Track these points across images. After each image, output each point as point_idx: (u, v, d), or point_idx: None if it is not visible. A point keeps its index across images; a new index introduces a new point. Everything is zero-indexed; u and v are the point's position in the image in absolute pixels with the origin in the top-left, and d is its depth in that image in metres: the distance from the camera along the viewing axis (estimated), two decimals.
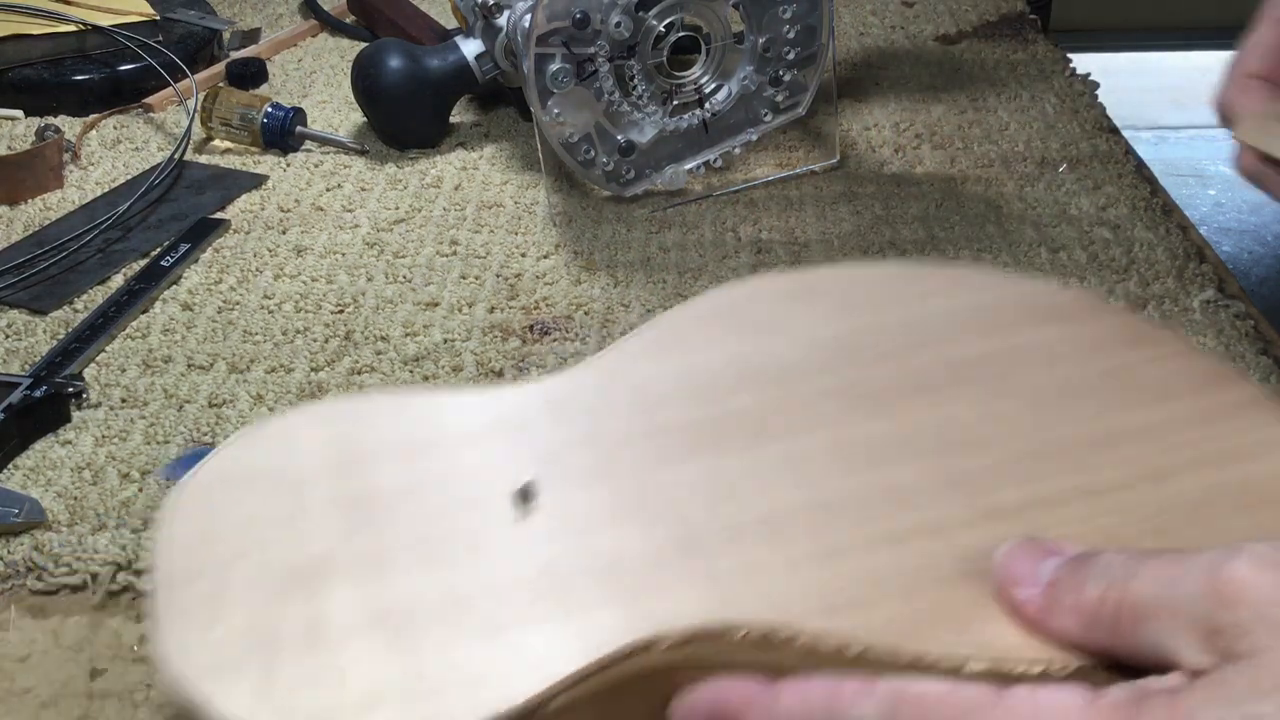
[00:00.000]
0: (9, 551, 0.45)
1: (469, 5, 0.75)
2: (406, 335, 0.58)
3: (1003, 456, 0.37)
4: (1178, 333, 0.48)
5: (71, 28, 0.87)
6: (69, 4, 0.89)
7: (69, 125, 0.79)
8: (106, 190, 0.72)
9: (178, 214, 0.69)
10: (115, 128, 0.80)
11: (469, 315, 0.59)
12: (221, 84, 0.81)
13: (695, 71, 0.68)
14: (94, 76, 0.83)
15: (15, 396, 0.51)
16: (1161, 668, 0.28)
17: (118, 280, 0.63)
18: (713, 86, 0.69)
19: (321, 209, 0.70)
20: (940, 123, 0.78)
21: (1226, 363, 0.49)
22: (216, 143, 0.78)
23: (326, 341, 0.57)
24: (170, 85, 0.83)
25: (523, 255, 0.64)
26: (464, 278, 0.62)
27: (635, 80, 0.66)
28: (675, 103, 0.68)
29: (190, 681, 0.33)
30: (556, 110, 0.65)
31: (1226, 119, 0.50)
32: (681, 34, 0.66)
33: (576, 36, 0.64)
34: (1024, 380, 0.43)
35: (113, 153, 0.77)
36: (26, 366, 0.56)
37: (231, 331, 0.58)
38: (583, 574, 0.36)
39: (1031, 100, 0.81)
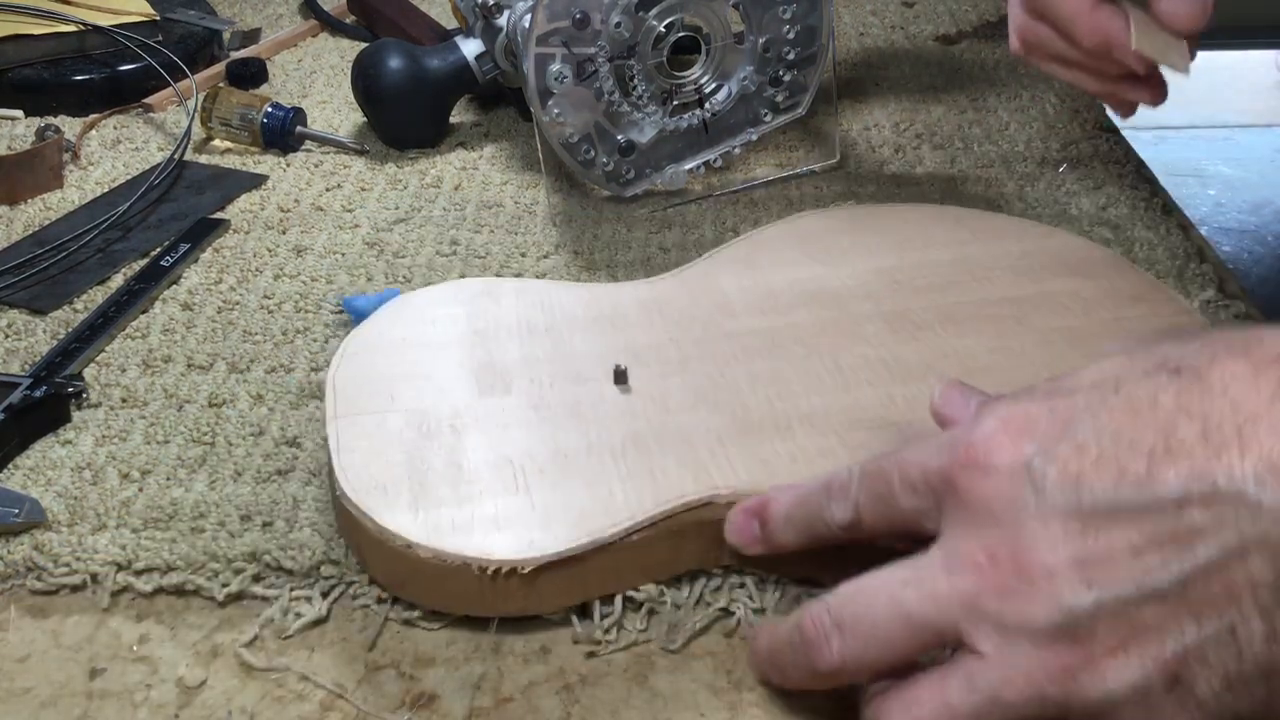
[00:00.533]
0: (9, 551, 0.45)
1: (469, 5, 0.75)
2: None
3: (1001, 382, 0.42)
4: (1171, 294, 0.54)
5: (71, 28, 0.87)
6: (69, 4, 0.89)
7: (69, 125, 0.79)
8: (106, 190, 0.72)
9: (178, 214, 0.69)
10: (115, 128, 0.80)
11: None
12: (221, 84, 0.81)
13: (695, 71, 0.68)
14: (94, 76, 0.83)
15: (15, 396, 0.51)
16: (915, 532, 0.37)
17: (118, 280, 0.63)
18: (713, 86, 0.69)
19: (321, 209, 0.70)
20: (940, 123, 0.78)
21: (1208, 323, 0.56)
22: (216, 143, 0.78)
23: (327, 342, 0.57)
24: (170, 85, 0.83)
25: (523, 255, 0.64)
26: (464, 278, 0.62)
27: (635, 80, 0.66)
28: (675, 103, 0.68)
29: (360, 496, 0.42)
30: (556, 110, 0.65)
31: (1029, 46, 0.59)
32: (681, 34, 0.66)
33: (576, 36, 0.64)
34: (1039, 322, 0.50)
35: (113, 153, 0.77)
36: (26, 366, 0.56)
37: (231, 331, 0.58)
38: (661, 443, 0.45)
39: (1031, 100, 0.81)
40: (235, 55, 0.90)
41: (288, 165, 0.75)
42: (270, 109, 0.76)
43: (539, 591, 0.41)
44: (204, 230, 0.67)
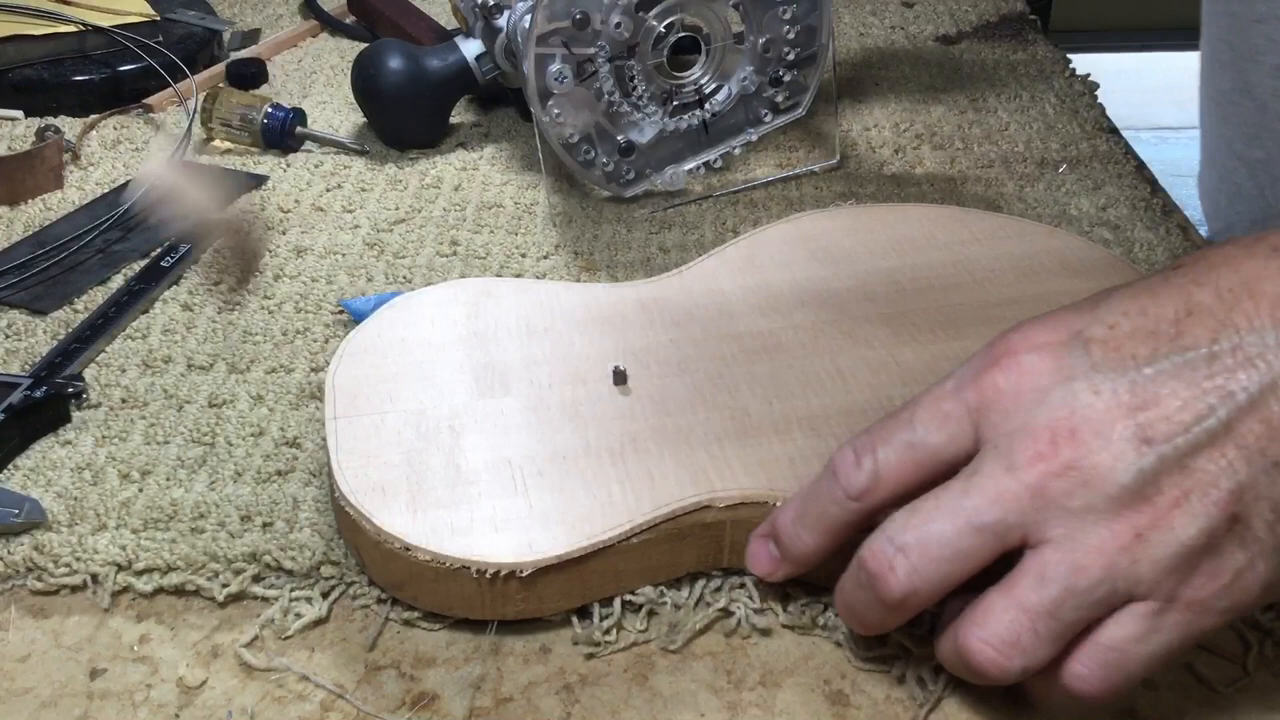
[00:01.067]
0: (9, 551, 0.45)
1: (469, 5, 0.75)
2: None
3: None
4: None
5: (71, 28, 0.87)
6: (69, 4, 0.89)
7: (69, 125, 0.79)
8: (106, 190, 0.72)
9: (178, 214, 0.69)
10: (115, 128, 0.80)
11: None
12: (221, 84, 0.81)
13: (695, 72, 0.68)
14: (94, 77, 0.83)
15: (15, 397, 0.51)
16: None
17: (118, 281, 0.63)
18: (713, 87, 0.69)
19: (321, 209, 0.70)
20: (940, 123, 0.78)
21: None
22: (216, 143, 0.78)
23: (327, 342, 0.57)
24: (170, 85, 0.83)
25: (523, 255, 0.64)
26: (464, 278, 0.62)
27: (635, 80, 0.66)
28: (675, 103, 0.68)
29: (358, 497, 0.42)
30: (556, 110, 0.65)
31: None
32: (681, 34, 0.66)
33: (576, 36, 0.64)
34: None
35: (113, 153, 0.77)
36: (26, 366, 0.56)
37: (231, 331, 0.58)
38: (660, 445, 0.44)
39: (1031, 100, 0.81)
40: (235, 55, 0.90)
41: (288, 165, 0.75)
42: (270, 109, 0.76)
43: (538, 594, 0.41)
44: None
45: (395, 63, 0.74)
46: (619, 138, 0.67)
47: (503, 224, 0.68)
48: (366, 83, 0.75)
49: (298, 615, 0.43)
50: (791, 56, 0.69)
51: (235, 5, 1.03)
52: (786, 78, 0.69)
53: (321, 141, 0.77)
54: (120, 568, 0.44)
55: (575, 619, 0.42)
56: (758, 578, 0.42)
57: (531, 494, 0.42)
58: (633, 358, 0.49)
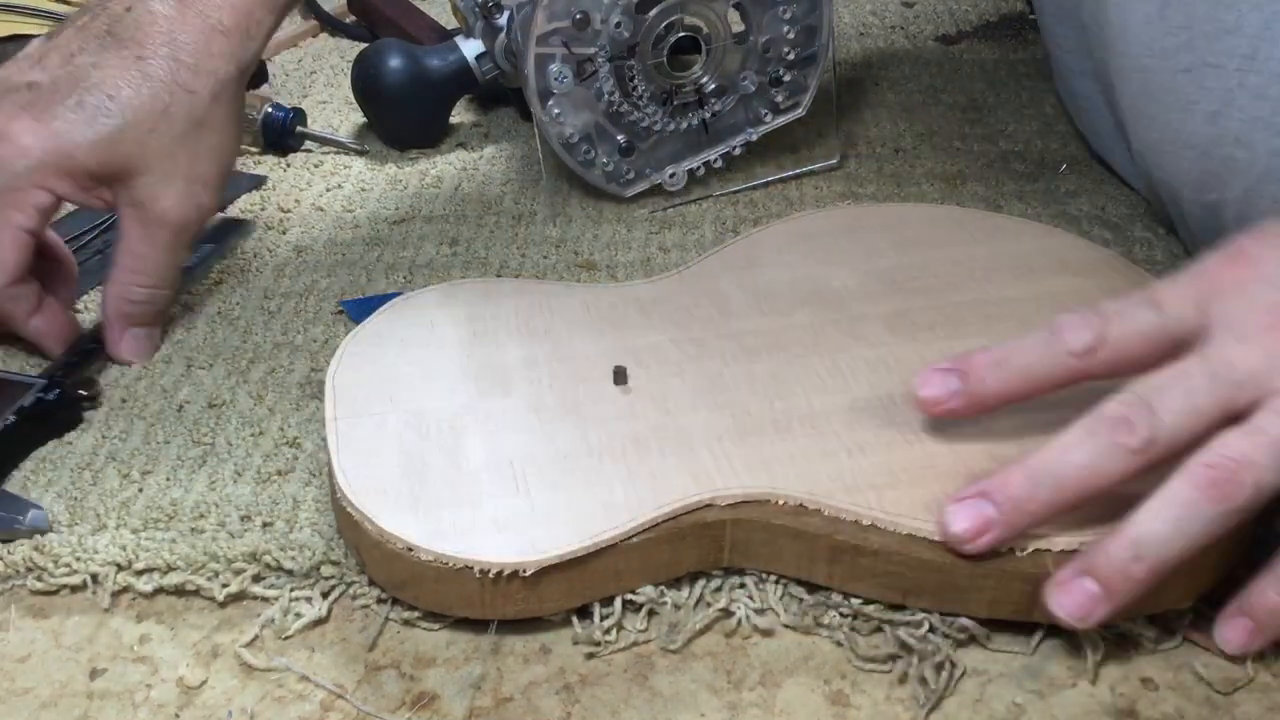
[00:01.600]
0: (9, 552, 0.45)
1: (469, 5, 0.75)
2: None
3: None
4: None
5: None
6: (69, 4, 0.89)
7: None
8: None
9: None
10: None
11: None
12: None
13: (695, 72, 0.68)
14: None
15: (28, 399, 0.51)
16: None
17: None
18: (713, 87, 0.69)
19: (321, 209, 0.70)
20: (940, 123, 0.78)
21: None
22: None
23: (326, 342, 0.57)
24: None
25: (523, 255, 0.64)
26: (464, 278, 0.62)
27: (635, 80, 0.66)
28: (675, 103, 0.68)
29: (359, 498, 0.42)
30: (556, 110, 0.65)
31: None
32: (681, 34, 0.66)
33: (576, 36, 0.64)
34: (1039, 322, 0.48)
35: None
36: (26, 367, 0.56)
37: (231, 332, 0.58)
38: (661, 444, 0.44)
39: (1031, 100, 0.81)
40: None
41: (288, 165, 0.75)
42: (270, 109, 0.76)
43: (540, 594, 0.41)
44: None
45: (395, 63, 0.74)
46: (619, 138, 0.67)
47: (503, 224, 0.68)
48: (366, 83, 0.75)
49: (298, 615, 0.43)
50: (791, 56, 0.69)
51: None
52: (786, 78, 0.69)
53: (321, 141, 0.77)
54: (120, 568, 0.44)
55: (575, 619, 0.42)
56: (925, 403, 0.43)
57: (533, 494, 0.42)
58: (633, 357, 0.49)
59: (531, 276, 0.62)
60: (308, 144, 0.77)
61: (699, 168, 0.70)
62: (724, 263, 0.56)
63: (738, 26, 0.68)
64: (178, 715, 0.39)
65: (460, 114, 0.81)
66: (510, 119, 0.81)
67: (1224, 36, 0.49)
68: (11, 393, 0.51)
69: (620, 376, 0.48)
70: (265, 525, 0.46)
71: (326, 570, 0.44)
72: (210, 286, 0.62)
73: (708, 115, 0.69)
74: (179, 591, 0.44)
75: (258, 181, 0.73)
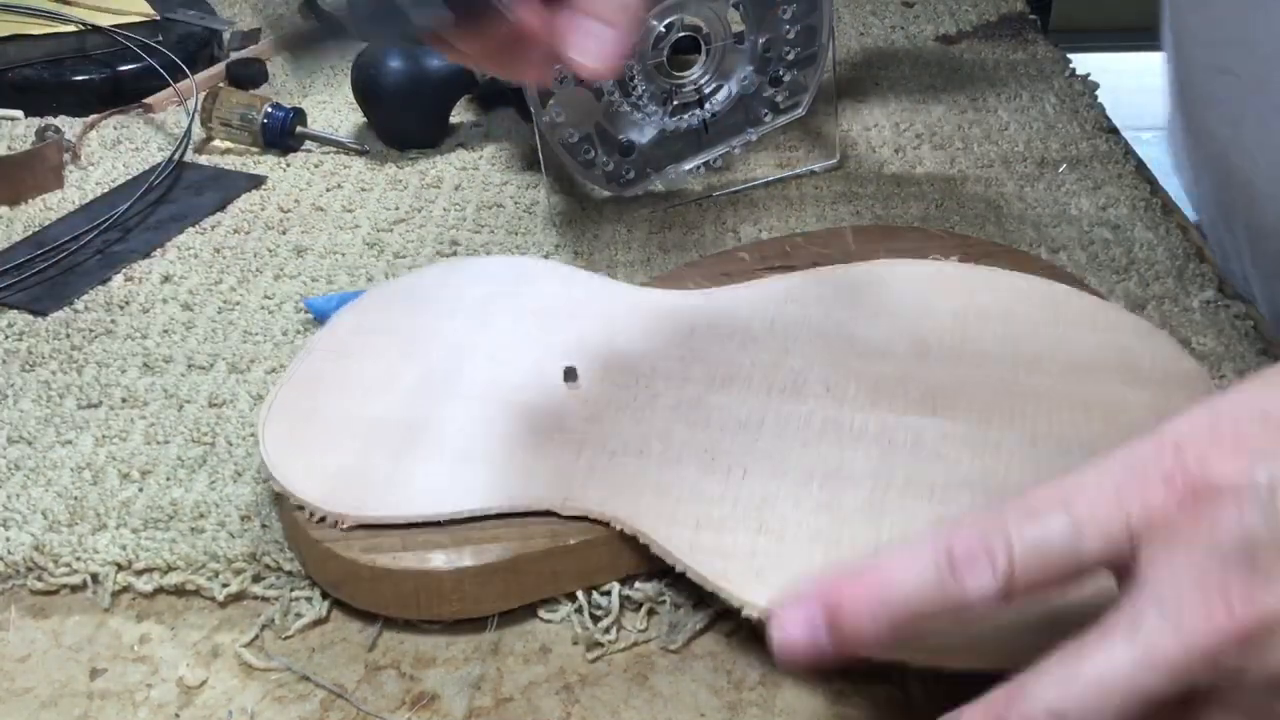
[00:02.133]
0: (9, 551, 0.45)
1: None
2: None
3: (978, 490, 0.42)
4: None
5: (71, 28, 0.87)
6: (69, 4, 0.89)
7: (69, 125, 0.79)
8: (106, 190, 0.72)
9: (177, 215, 0.69)
10: (115, 128, 0.80)
11: None
12: (221, 84, 0.81)
13: (695, 72, 0.68)
14: (94, 76, 0.83)
15: None
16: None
17: (118, 280, 0.63)
18: (713, 87, 0.68)
19: (321, 209, 0.70)
20: (940, 123, 0.78)
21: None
22: (216, 143, 0.78)
23: None
24: (170, 85, 0.83)
25: (523, 255, 0.64)
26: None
27: (635, 80, 0.66)
28: (675, 103, 0.68)
29: (297, 497, 0.43)
30: (556, 110, 0.65)
31: None
32: (681, 34, 0.66)
33: None
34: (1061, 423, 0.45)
35: (113, 153, 0.77)
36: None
37: (231, 331, 0.58)
38: (545, 443, 0.45)
39: (1031, 100, 0.81)
40: (235, 55, 0.90)
41: (288, 165, 0.75)
42: (270, 109, 0.76)
43: (474, 595, 0.41)
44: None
45: (395, 63, 0.74)
46: (619, 138, 0.67)
47: (503, 224, 0.68)
48: (366, 83, 0.75)
49: (298, 615, 0.43)
50: (791, 56, 0.69)
51: (235, 5, 1.03)
52: (786, 78, 0.69)
53: (321, 141, 0.77)
54: (120, 567, 0.44)
55: (575, 618, 0.42)
56: (784, 655, 0.33)
57: (464, 496, 0.43)
58: (582, 362, 0.48)
59: None
60: (308, 144, 0.77)
61: (699, 168, 0.70)
62: (764, 291, 0.53)
63: (738, 26, 0.68)
64: (178, 715, 0.39)
65: (460, 114, 0.81)
66: (510, 119, 0.81)
67: None
68: None
69: (569, 374, 0.48)
70: (265, 525, 0.46)
71: None
72: (210, 286, 0.62)
73: (708, 115, 0.69)
74: (179, 591, 0.44)
75: (257, 181, 0.73)
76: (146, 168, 0.74)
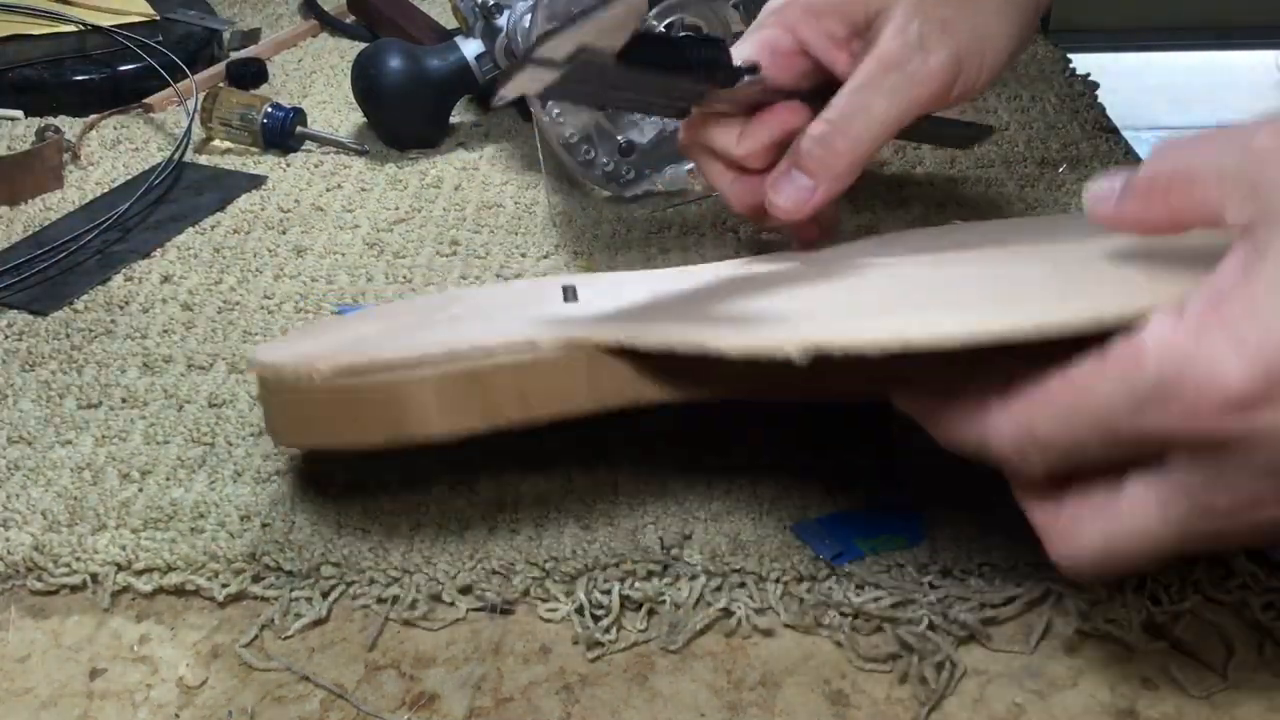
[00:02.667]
0: (9, 552, 0.45)
1: (469, 5, 0.75)
2: None
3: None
4: None
5: (71, 28, 0.87)
6: (69, 4, 0.89)
7: (69, 125, 0.79)
8: (106, 191, 0.72)
9: (177, 215, 0.69)
10: (115, 128, 0.80)
11: None
12: (221, 84, 0.81)
13: None
14: (94, 76, 0.83)
15: None
16: (1210, 224, 0.33)
17: (117, 280, 0.63)
18: None
19: (321, 209, 0.70)
20: None
21: None
22: (216, 143, 0.78)
23: None
24: (170, 85, 0.83)
25: (523, 255, 0.64)
26: (464, 278, 0.62)
27: None
28: None
29: (276, 358, 0.43)
30: (556, 110, 0.65)
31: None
32: (682, 34, 0.66)
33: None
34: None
35: (113, 153, 0.77)
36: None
37: (231, 331, 0.58)
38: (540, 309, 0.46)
39: (1031, 100, 0.81)
40: (235, 55, 0.90)
41: (288, 165, 0.75)
42: (270, 109, 0.76)
43: (436, 411, 0.40)
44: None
45: (395, 63, 0.74)
46: (619, 137, 0.67)
47: (503, 224, 0.68)
48: (366, 83, 0.75)
49: (298, 615, 0.43)
50: None
51: (235, 5, 1.03)
52: None
53: (321, 141, 0.77)
54: (120, 567, 0.44)
55: (576, 617, 0.42)
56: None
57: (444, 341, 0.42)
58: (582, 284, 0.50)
59: (530, 277, 0.62)
60: (308, 144, 0.77)
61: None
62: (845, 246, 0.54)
63: (738, 26, 0.67)
64: (178, 715, 0.39)
65: (460, 114, 0.81)
66: (510, 119, 0.81)
67: None
68: None
69: (568, 292, 0.48)
70: (265, 525, 0.46)
71: (326, 570, 0.44)
72: (210, 286, 0.62)
73: None
74: (179, 591, 0.44)
75: (257, 181, 0.73)
76: (146, 168, 0.74)
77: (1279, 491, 0.31)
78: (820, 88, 0.50)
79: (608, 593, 0.43)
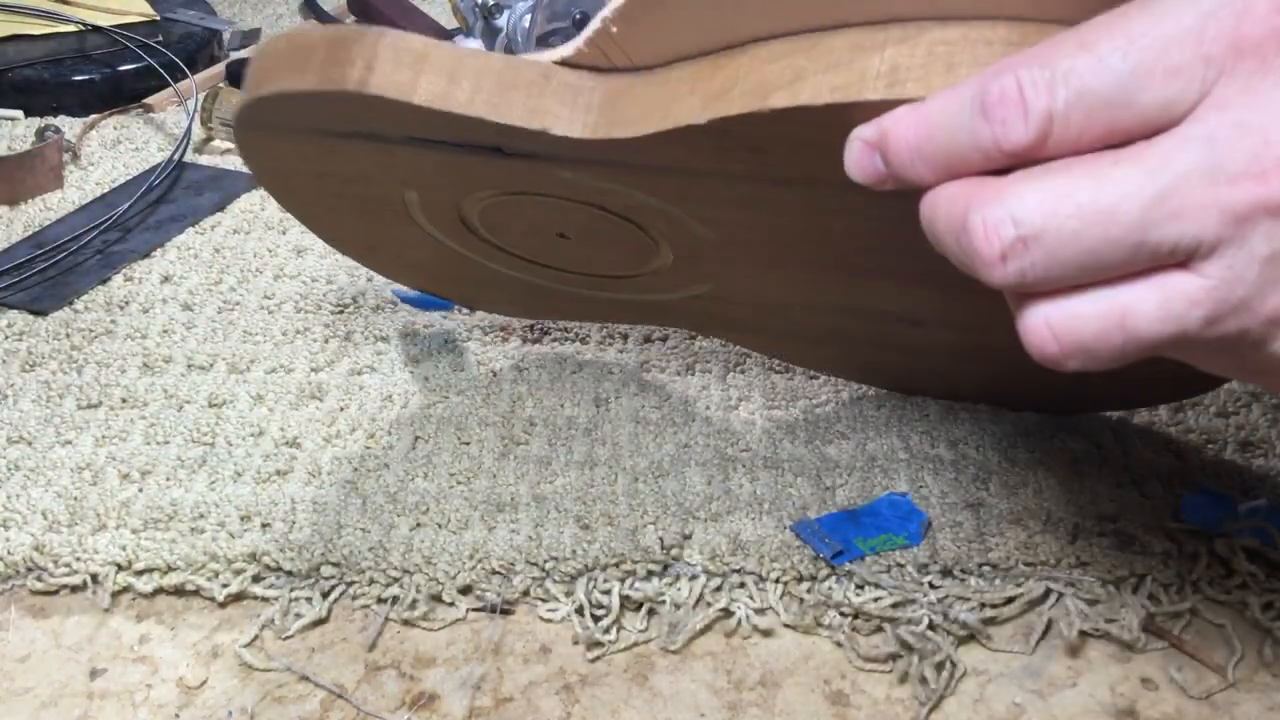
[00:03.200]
0: (9, 552, 0.45)
1: (469, 5, 0.75)
2: (406, 336, 0.58)
3: None
4: None
5: (71, 28, 0.87)
6: (69, 4, 0.89)
7: (69, 125, 0.79)
8: (106, 191, 0.72)
9: (177, 215, 0.69)
10: (115, 128, 0.80)
11: (469, 316, 0.59)
12: (221, 84, 0.81)
13: None
14: (94, 76, 0.83)
15: None
16: None
17: (117, 280, 0.63)
18: None
19: None
20: None
21: None
22: (216, 143, 0.78)
23: (326, 341, 0.57)
24: (170, 85, 0.83)
25: None
26: None
27: None
28: None
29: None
30: None
31: None
32: None
33: (576, 37, 0.63)
34: None
35: (113, 153, 0.77)
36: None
37: (231, 331, 0.58)
38: None
39: None
40: (235, 55, 0.90)
41: None
42: None
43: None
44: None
45: None
46: None
47: None
48: None
49: (298, 615, 0.43)
50: None
51: (235, 5, 1.03)
52: None
53: None
54: (120, 568, 0.44)
55: (575, 618, 0.42)
56: (858, 181, 0.31)
57: None
58: None
59: None
60: None
61: None
62: None
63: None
64: (178, 715, 0.39)
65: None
66: None
67: None
68: None
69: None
70: (265, 525, 0.46)
71: (326, 570, 0.44)
72: (210, 286, 0.62)
73: None
74: (179, 591, 0.44)
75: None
76: (146, 168, 0.74)
77: None
78: None
79: (608, 593, 0.43)
